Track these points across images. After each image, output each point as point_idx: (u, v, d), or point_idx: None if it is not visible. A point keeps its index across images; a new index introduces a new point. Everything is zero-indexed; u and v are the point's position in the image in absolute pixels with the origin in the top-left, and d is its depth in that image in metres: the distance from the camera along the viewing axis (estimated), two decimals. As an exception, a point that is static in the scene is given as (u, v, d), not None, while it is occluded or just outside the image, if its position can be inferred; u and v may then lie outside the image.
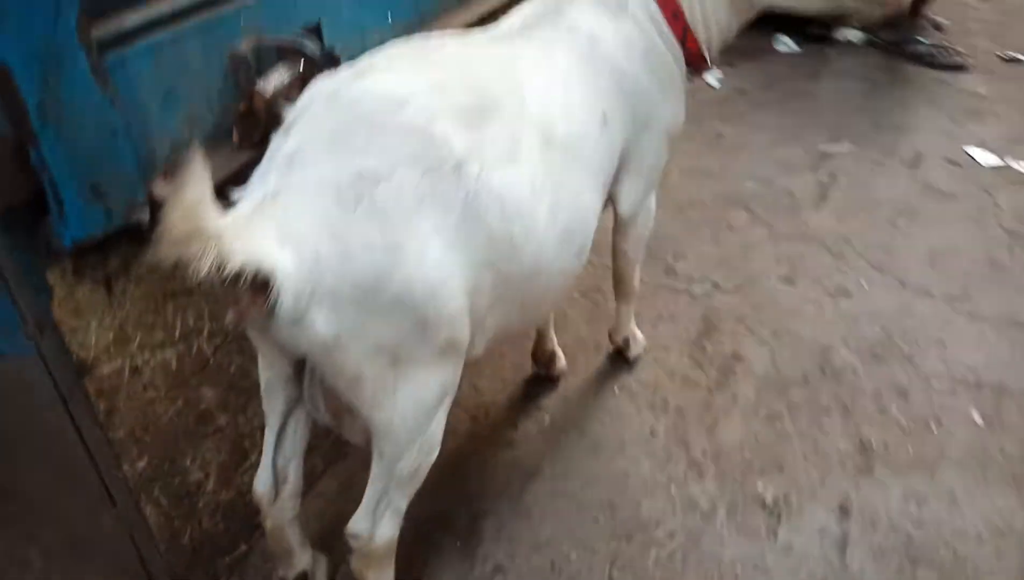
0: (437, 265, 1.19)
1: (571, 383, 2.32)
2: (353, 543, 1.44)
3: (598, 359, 2.40)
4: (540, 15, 1.66)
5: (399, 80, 1.24)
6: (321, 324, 1.11)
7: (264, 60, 1.42)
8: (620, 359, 2.38)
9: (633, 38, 1.73)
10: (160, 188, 1.22)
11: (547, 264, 1.43)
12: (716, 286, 2.68)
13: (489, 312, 1.37)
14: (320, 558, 1.69)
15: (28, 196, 1.10)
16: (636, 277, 2.18)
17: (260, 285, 1.03)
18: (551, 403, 2.26)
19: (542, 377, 2.31)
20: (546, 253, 1.41)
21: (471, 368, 2.26)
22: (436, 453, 1.42)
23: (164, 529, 1.52)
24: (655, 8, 1.77)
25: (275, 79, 1.33)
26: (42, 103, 1.04)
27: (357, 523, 1.42)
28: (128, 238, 1.24)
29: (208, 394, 1.56)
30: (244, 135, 1.36)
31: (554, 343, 2.28)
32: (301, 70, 1.36)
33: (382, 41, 1.74)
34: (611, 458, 2.08)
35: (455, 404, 1.42)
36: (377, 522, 1.42)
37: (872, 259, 2.79)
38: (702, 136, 3.64)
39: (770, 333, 2.47)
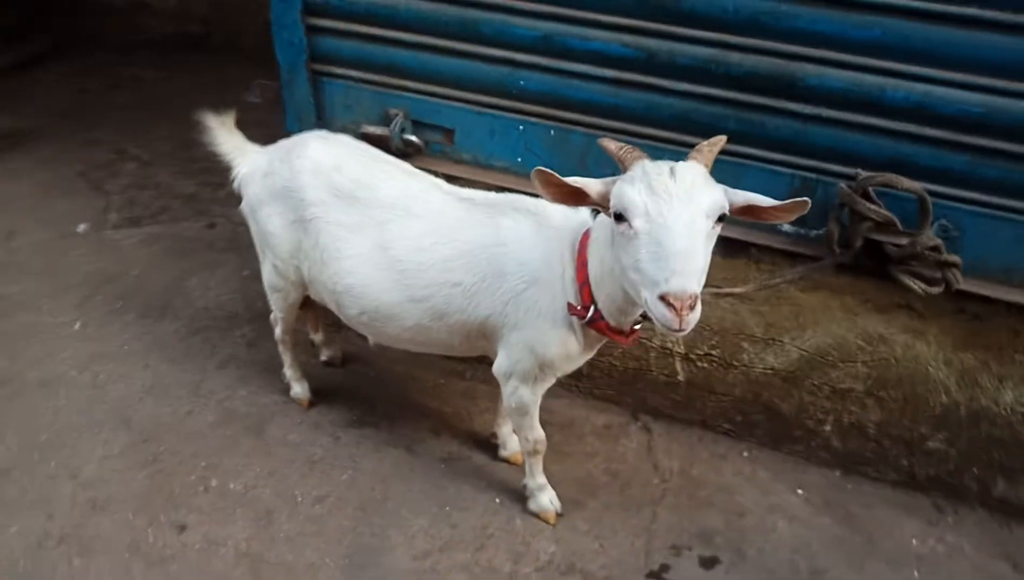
0: (274, 228, 2.44)
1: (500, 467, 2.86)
2: None
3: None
4: (494, 204, 2.24)
5: (323, 152, 2.35)
6: (242, 204, 2.56)
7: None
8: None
9: (531, 266, 2.13)
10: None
11: (338, 297, 2.37)
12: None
13: (311, 284, 2.48)
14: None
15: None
16: (523, 436, 2.48)
17: None
18: (476, 457, 2.91)
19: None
20: (333, 289, 2.37)
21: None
22: (281, 310, 2.70)
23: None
24: (569, 255, 2.07)
25: (375, 129, 2.60)
26: (289, 82, 2.69)
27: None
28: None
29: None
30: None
31: (497, 427, 2.83)
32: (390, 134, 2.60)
33: (506, 170, 2.67)
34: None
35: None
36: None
37: None
38: None
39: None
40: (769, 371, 2.74)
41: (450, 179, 2.69)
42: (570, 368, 2.31)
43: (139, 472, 2.77)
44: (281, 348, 2.95)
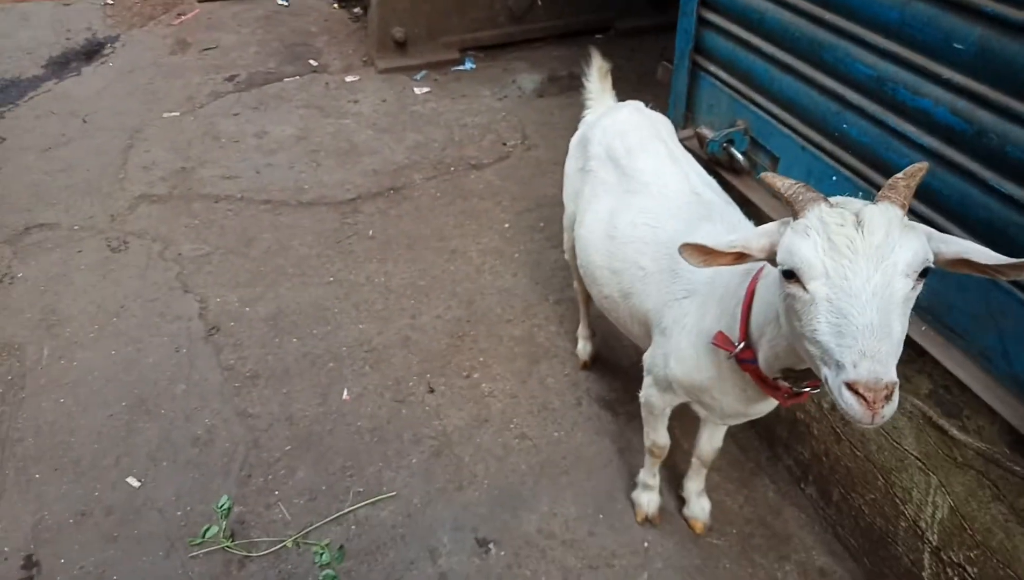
0: (570, 169, 2.73)
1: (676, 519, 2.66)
2: None
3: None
4: (710, 206, 2.16)
5: (621, 119, 2.49)
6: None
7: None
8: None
9: (696, 277, 1.98)
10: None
11: (576, 244, 2.55)
12: None
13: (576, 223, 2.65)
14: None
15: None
16: (646, 431, 2.45)
17: None
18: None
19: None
20: (576, 235, 2.56)
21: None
22: (567, 252, 2.95)
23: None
24: (737, 282, 1.81)
25: (706, 130, 2.55)
26: (678, 68, 2.79)
27: None
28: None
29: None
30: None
31: (686, 480, 2.64)
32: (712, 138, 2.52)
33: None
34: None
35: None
36: None
37: None
38: None
39: None
40: (1031, 641, 1.89)
41: (759, 212, 2.51)
42: (709, 401, 2.03)
43: (445, 339, 3.43)
44: (578, 299, 3.20)
